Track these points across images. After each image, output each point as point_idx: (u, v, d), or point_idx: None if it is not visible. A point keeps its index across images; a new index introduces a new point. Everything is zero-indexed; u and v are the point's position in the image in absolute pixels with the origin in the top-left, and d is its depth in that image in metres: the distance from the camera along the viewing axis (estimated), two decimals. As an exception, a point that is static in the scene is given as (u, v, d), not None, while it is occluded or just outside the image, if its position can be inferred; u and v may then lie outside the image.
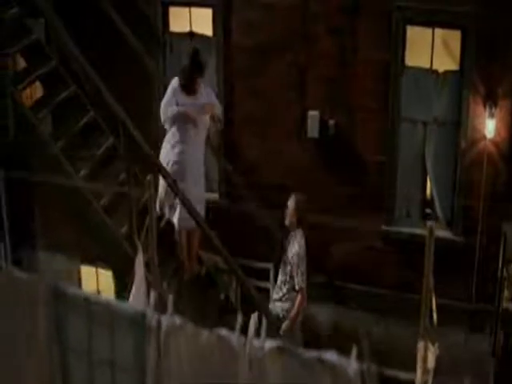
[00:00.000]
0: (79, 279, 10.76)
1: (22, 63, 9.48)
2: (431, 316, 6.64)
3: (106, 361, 3.60)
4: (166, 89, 9.00)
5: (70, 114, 9.28)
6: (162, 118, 8.38)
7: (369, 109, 9.14)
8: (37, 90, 9.71)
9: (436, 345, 6.22)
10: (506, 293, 9.85)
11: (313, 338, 9.60)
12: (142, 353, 3.53)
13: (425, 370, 6.24)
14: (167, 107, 8.32)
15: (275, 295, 8.53)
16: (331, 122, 9.24)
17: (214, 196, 9.89)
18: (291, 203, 8.38)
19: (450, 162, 9.13)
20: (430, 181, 9.33)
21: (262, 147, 9.55)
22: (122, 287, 10.01)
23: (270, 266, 9.46)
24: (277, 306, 8.44)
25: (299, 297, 8.27)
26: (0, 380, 3.82)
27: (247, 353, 3.35)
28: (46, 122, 9.05)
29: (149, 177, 7.28)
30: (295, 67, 9.25)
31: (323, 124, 9.26)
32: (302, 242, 8.30)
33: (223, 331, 3.48)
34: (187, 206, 8.15)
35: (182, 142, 8.34)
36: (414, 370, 8.74)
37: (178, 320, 3.48)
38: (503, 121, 8.75)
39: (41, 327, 3.59)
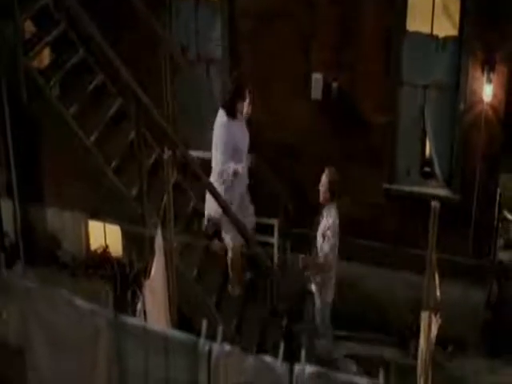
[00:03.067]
0: (87, 234, 11.08)
1: (29, 26, 9.61)
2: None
3: (161, 382, 4.00)
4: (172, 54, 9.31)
5: (78, 76, 9.50)
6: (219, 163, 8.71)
7: (371, 72, 9.40)
8: (45, 54, 9.85)
9: (438, 314, 6.63)
10: (500, 241, 10.36)
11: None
12: (194, 376, 3.93)
13: (428, 339, 6.67)
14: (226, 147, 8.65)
15: None
16: (334, 84, 9.49)
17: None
18: (325, 178, 8.58)
19: (449, 123, 9.47)
20: (430, 141, 9.68)
21: (267, 109, 9.79)
22: (130, 242, 10.42)
23: (275, 221, 9.81)
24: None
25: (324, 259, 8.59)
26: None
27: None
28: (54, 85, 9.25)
29: (166, 154, 7.61)
30: (299, 31, 9.45)
31: (326, 86, 9.51)
32: (337, 216, 8.57)
33: (267, 357, 3.89)
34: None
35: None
36: (412, 320, 9.29)
37: (227, 347, 3.88)
38: (500, 85, 9.05)
39: (102, 352, 3.98)
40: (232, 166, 8.63)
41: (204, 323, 3.88)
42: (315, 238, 8.77)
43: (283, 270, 9.66)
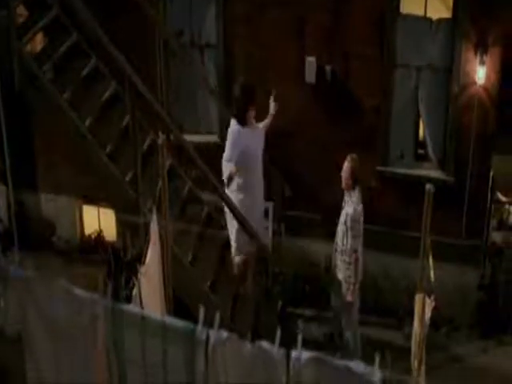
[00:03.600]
0: (81, 219, 11.09)
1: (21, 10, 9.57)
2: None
3: (158, 370, 4.04)
4: (165, 39, 9.30)
5: (72, 61, 9.48)
6: (225, 170, 8.55)
7: (364, 55, 9.42)
8: (38, 38, 9.83)
9: (432, 297, 6.69)
10: (493, 222, 10.41)
11: (310, 273, 10.15)
12: (191, 363, 3.98)
13: (422, 321, 6.74)
14: (233, 153, 8.49)
15: (338, 256, 8.82)
16: (328, 67, 9.51)
17: (214, 138, 10.22)
18: (347, 165, 8.55)
19: (442, 105, 9.51)
20: (423, 124, 9.72)
21: (261, 92, 9.77)
22: (124, 226, 10.42)
23: (269, 205, 9.85)
24: (339, 273, 8.79)
25: (354, 262, 8.56)
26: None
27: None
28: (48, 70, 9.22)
29: (161, 139, 7.62)
30: (293, 15, 9.46)
31: (320, 70, 9.53)
32: (359, 204, 8.54)
33: (264, 343, 3.92)
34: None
35: (250, 187, 8.65)
36: (406, 302, 9.34)
37: (224, 334, 3.92)
38: (493, 67, 9.11)
39: (100, 340, 4.02)
40: (230, 167, 8.48)
41: (201, 310, 3.91)
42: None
43: (278, 252, 9.71)
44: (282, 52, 9.61)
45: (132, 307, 4.12)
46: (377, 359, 3.91)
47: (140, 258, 7.01)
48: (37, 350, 4.27)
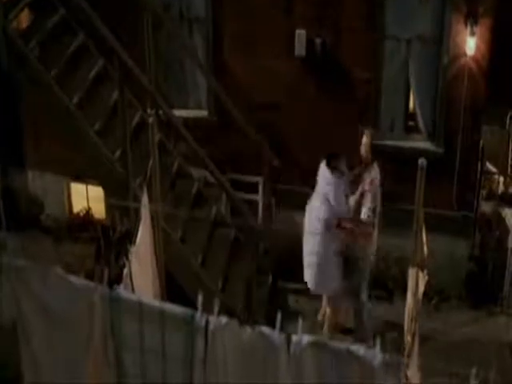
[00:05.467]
0: (69, 197, 11.00)
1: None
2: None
3: (157, 355, 4.03)
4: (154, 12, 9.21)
5: (59, 37, 9.38)
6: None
7: (354, 27, 9.35)
8: (24, 14, 9.70)
9: (425, 271, 6.70)
10: (483, 193, 10.42)
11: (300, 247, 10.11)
12: (190, 348, 3.96)
13: (415, 295, 6.73)
14: None
15: None
16: (318, 40, 9.44)
17: (203, 113, 10.16)
18: (366, 140, 8.52)
19: (433, 77, 9.46)
20: (413, 95, 9.68)
21: (250, 65, 9.73)
22: (112, 204, 10.35)
23: (259, 179, 9.82)
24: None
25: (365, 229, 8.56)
26: (63, 373, 4.25)
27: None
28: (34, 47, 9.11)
29: (151, 118, 7.54)
30: (283, -14, 9.39)
31: (310, 43, 9.46)
32: (377, 178, 8.53)
33: (265, 328, 3.91)
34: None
35: None
36: (399, 274, 9.33)
37: (224, 319, 3.90)
38: (483, 38, 9.07)
39: (97, 327, 4.00)
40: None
41: (200, 296, 3.89)
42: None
43: (268, 226, 9.68)
44: (271, 25, 9.52)
45: (128, 293, 4.09)
46: (377, 342, 3.90)
47: (129, 236, 6.97)
48: (32, 338, 4.24)
